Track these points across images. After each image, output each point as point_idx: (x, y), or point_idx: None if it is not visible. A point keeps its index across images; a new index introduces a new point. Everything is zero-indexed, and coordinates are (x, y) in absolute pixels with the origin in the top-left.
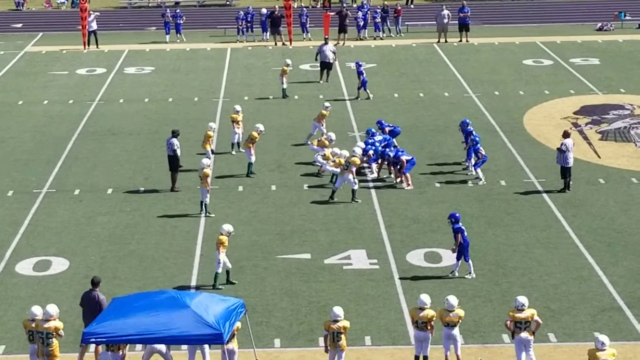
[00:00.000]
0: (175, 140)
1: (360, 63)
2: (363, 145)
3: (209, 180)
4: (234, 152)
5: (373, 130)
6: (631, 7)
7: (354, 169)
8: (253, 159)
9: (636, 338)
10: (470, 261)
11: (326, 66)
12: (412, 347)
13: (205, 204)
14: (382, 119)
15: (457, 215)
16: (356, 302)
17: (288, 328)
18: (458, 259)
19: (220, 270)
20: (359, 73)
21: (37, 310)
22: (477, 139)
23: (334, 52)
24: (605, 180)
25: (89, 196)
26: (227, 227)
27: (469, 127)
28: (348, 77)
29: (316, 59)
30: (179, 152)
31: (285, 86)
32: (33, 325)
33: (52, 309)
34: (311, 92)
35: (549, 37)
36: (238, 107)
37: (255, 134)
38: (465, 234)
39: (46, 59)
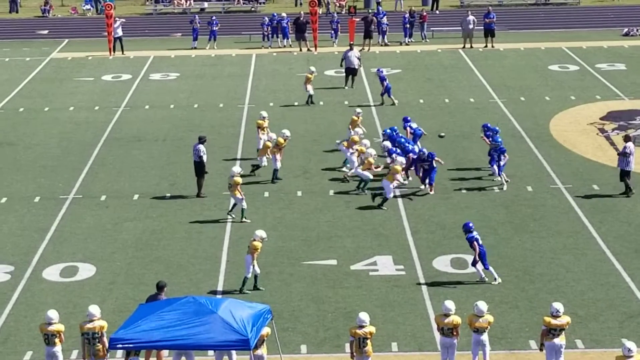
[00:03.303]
0: (201, 147)
1: (381, 70)
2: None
3: (239, 188)
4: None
5: (396, 129)
6: None
7: (398, 176)
8: (279, 165)
9: None
10: (490, 268)
11: (351, 72)
12: (439, 354)
13: (242, 209)
14: (407, 116)
15: (470, 224)
16: (382, 308)
17: (314, 334)
18: (474, 264)
19: (249, 275)
20: (382, 79)
21: (52, 314)
22: (499, 140)
23: (359, 58)
24: (633, 186)
25: (115, 202)
26: (261, 233)
27: (487, 132)
28: (373, 83)
29: (341, 65)
30: (205, 158)
31: (311, 93)
32: (49, 328)
33: (94, 309)
34: (336, 98)
35: (574, 43)
36: (264, 113)
37: (281, 139)
38: (480, 242)
39: (72, 66)
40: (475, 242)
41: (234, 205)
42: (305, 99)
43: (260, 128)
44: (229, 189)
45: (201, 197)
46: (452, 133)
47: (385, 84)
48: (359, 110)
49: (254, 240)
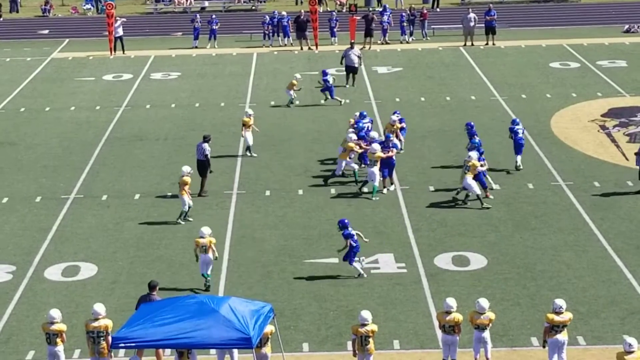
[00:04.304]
0: (206, 145)
1: (326, 71)
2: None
3: (186, 188)
4: (250, 154)
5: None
6: None
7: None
8: (356, 167)
9: None
10: (354, 264)
11: (352, 70)
12: (441, 351)
13: (183, 211)
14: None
15: (346, 221)
16: (384, 306)
17: (316, 332)
18: (349, 260)
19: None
20: (325, 81)
21: (54, 313)
22: (477, 141)
23: (359, 57)
24: (634, 183)
25: (117, 202)
26: (207, 230)
27: (472, 130)
28: (374, 81)
29: (341, 63)
30: (209, 156)
31: (293, 96)
32: (51, 328)
33: (100, 307)
34: (338, 96)
35: (575, 40)
36: (250, 111)
37: (352, 144)
38: (355, 238)
39: (73, 65)
40: (350, 239)
41: (183, 212)
42: (288, 102)
43: (246, 126)
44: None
45: (203, 195)
46: (453, 131)
47: (327, 84)
48: (396, 114)
49: (202, 237)
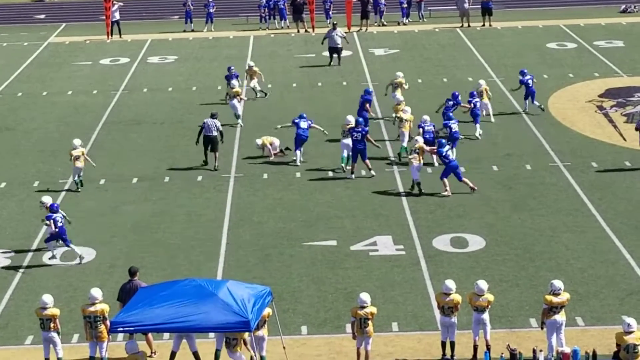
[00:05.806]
0: (217, 121)
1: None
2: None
3: (86, 155)
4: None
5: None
6: None
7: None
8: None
9: None
10: (50, 243)
11: (335, 51)
12: (439, 333)
13: (75, 182)
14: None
15: (55, 205)
16: (383, 288)
17: (315, 315)
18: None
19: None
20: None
21: (46, 299)
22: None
23: (343, 37)
24: (632, 163)
25: (115, 186)
26: (46, 199)
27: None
28: (371, 63)
29: (322, 43)
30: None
31: (258, 88)
32: (44, 313)
33: (96, 292)
34: (334, 79)
35: (572, 20)
36: (235, 82)
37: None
38: (60, 222)
39: (70, 50)
40: (52, 221)
41: (76, 182)
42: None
43: (238, 95)
44: (75, 160)
45: (216, 169)
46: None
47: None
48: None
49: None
